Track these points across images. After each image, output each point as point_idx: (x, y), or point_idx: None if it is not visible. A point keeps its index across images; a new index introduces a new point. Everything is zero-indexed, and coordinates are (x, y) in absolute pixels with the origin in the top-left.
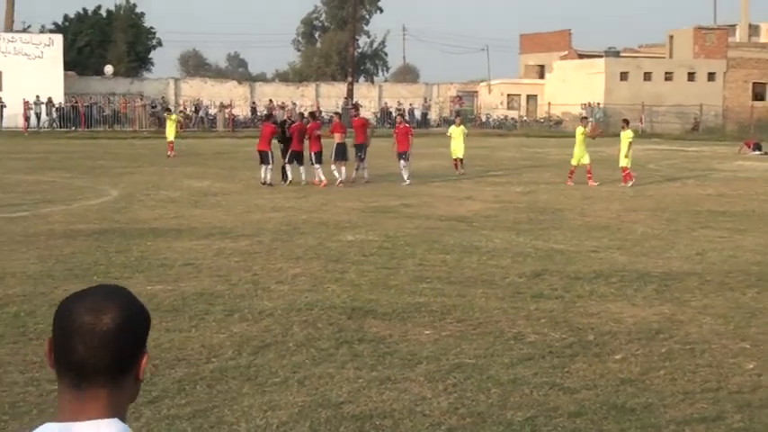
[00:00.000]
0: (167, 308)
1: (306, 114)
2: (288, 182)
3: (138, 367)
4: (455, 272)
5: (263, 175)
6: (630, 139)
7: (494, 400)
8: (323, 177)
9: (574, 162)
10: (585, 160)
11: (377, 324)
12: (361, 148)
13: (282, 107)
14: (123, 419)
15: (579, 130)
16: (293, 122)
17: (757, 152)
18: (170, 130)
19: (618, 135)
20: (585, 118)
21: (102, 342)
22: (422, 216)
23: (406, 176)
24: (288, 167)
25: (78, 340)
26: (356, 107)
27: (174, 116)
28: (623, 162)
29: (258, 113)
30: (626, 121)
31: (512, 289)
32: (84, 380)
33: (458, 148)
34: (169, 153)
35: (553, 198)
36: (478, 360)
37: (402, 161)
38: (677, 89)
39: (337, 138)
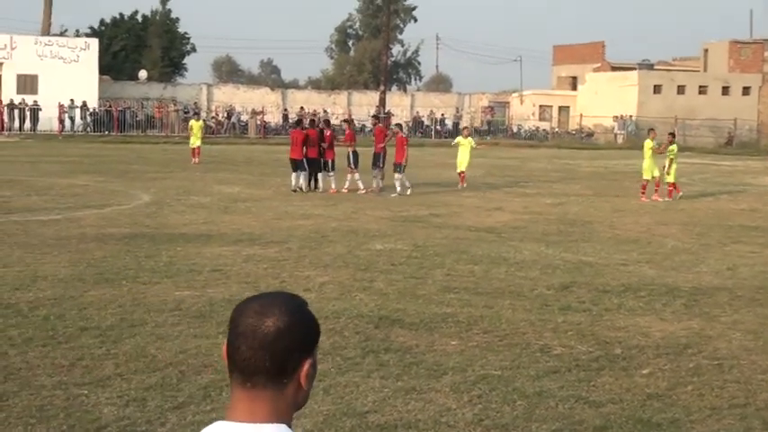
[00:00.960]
0: (195, 314)
1: (321, 122)
2: (317, 189)
3: (300, 374)
4: (483, 283)
5: (293, 182)
6: (672, 155)
7: (519, 413)
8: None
9: (647, 176)
10: (656, 173)
11: (403, 334)
12: (378, 157)
13: (314, 115)
14: (289, 425)
15: (648, 144)
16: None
17: None
18: (195, 137)
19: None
20: (653, 129)
21: (262, 344)
22: (451, 226)
23: (398, 187)
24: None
25: (242, 340)
26: (376, 117)
27: (201, 122)
28: (667, 177)
29: (290, 120)
30: (672, 135)
31: (539, 301)
32: (248, 379)
33: (461, 160)
34: (194, 160)
35: (583, 210)
36: (504, 372)
37: (396, 173)
38: (711, 103)
39: (352, 147)
